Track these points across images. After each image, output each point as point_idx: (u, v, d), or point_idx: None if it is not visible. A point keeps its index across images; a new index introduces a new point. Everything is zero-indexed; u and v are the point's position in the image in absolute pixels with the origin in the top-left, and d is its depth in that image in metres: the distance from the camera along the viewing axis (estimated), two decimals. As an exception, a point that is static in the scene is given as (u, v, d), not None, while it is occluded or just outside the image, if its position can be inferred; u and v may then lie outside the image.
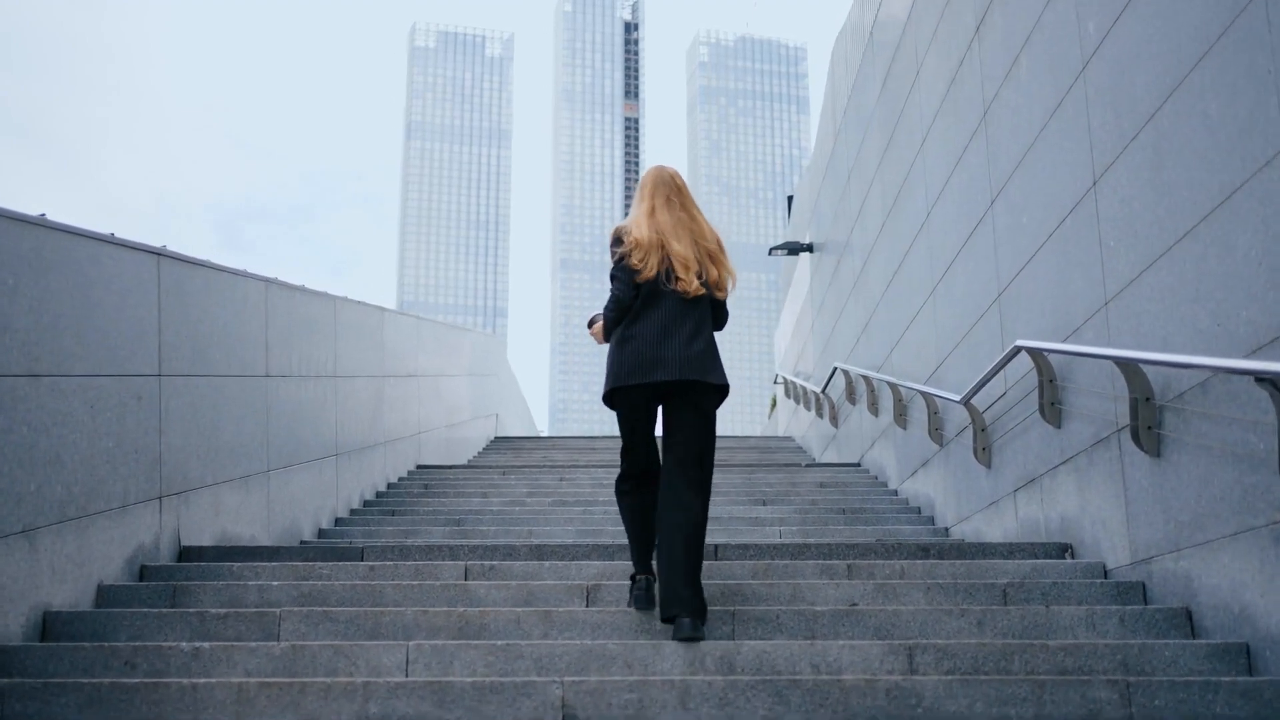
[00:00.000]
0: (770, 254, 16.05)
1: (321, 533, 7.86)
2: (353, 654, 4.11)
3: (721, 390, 4.69)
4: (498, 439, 16.47)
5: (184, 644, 4.12)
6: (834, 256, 13.11)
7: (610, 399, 4.73)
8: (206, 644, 4.14)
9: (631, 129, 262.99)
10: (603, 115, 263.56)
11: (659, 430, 4.84)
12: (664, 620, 4.43)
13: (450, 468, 11.59)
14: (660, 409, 4.76)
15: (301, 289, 7.75)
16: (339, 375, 8.43)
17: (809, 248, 15.16)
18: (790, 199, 19.62)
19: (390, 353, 10.16)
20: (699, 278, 4.71)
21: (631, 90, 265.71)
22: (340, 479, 8.46)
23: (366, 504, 9.11)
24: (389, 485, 9.96)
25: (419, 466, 11.18)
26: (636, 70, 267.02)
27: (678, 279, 4.65)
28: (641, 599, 4.63)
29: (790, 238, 16.76)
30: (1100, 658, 4.08)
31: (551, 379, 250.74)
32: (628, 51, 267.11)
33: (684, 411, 4.65)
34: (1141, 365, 4.71)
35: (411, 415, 11.05)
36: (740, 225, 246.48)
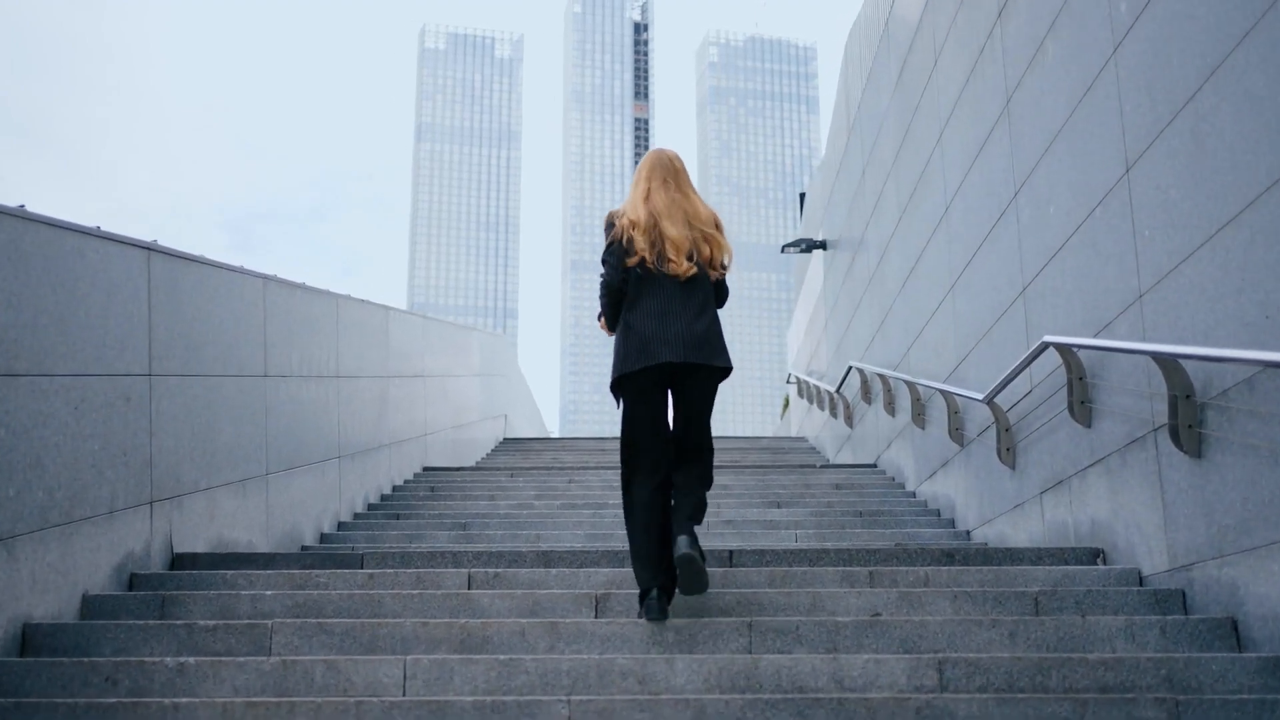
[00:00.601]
0: (783, 251, 15.79)
1: (324, 537, 7.63)
2: (347, 670, 3.87)
3: (723, 372, 4.67)
4: (506, 440, 16.24)
5: (169, 659, 3.88)
6: (848, 253, 12.85)
7: (618, 387, 4.66)
8: (192, 659, 3.90)
9: (641, 130, 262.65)
10: (612, 116, 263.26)
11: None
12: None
13: (457, 470, 11.37)
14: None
15: (302, 286, 7.53)
16: (341, 375, 8.20)
17: (822, 245, 14.90)
18: (803, 196, 19.36)
19: (395, 352, 9.93)
20: (691, 258, 4.66)
21: (641, 91, 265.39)
22: (343, 482, 8.24)
23: (371, 507, 8.89)
24: (394, 488, 9.74)
25: (425, 468, 10.96)
26: (646, 71, 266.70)
27: (669, 260, 4.61)
28: (654, 609, 4.40)
29: (803, 235, 16.49)
30: (1143, 672, 3.82)
31: (562, 380, 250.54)
32: (637, 52, 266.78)
33: (688, 394, 4.65)
34: (1181, 361, 4.45)
35: (418, 416, 10.82)
36: (751, 225, 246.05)
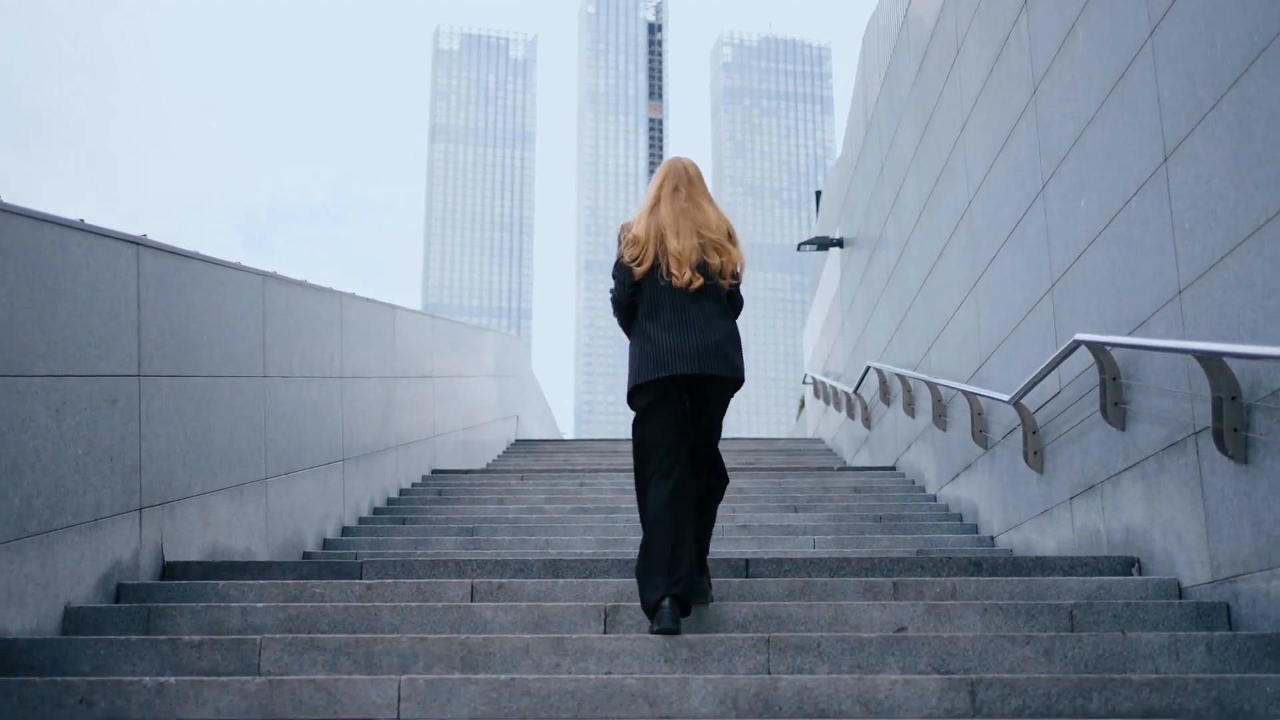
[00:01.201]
0: (799, 249, 15.53)
1: (326, 543, 7.39)
2: (337, 690, 3.62)
3: (737, 384, 4.59)
4: (518, 442, 16.01)
5: (148, 679, 3.63)
6: (865, 252, 12.58)
7: (633, 397, 4.56)
8: (173, 678, 3.65)
9: (655, 130, 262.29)
10: (626, 116, 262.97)
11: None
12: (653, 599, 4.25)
13: (466, 472, 11.13)
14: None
15: (303, 284, 7.29)
16: (345, 376, 7.96)
17: (839, 243, 14.64)
18: (818, 194, 19.10)
19: (402, 352, 9.69)
20: (700, 269, 4.54)
21: (655, 91, 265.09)
22: (347, 485, 8.00)
23: (377, 511, 8.65)
24: (401, 491, 9.50)
25: (434, 471, 10.72)
26: (660, 71, 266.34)
27: (673, 274, 4.52)
28: (666, 616, 4.13)
29: (819, 233, 16.23)
30: (1191, 694, 3.54)
31: (576, 381, 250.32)
32: (651, 52, 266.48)
33: (701, 405, 4.55)
34: (1227, 360, 4.18)
35: (426, 418, 10.58)
36: (765, 226, 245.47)
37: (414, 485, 9.93)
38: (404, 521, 8.24)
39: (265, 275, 6.62)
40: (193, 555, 5.58)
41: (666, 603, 4.16)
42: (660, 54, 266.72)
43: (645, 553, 4.31)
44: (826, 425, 16.65)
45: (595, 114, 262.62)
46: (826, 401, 16.32)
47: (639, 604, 4.54)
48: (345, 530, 7.83)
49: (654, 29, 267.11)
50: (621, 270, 4.64)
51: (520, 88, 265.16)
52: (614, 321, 4.87)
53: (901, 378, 10.06)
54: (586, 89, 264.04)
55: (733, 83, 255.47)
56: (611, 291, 4.76)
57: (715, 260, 4.59)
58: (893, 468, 10.87)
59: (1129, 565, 5.22)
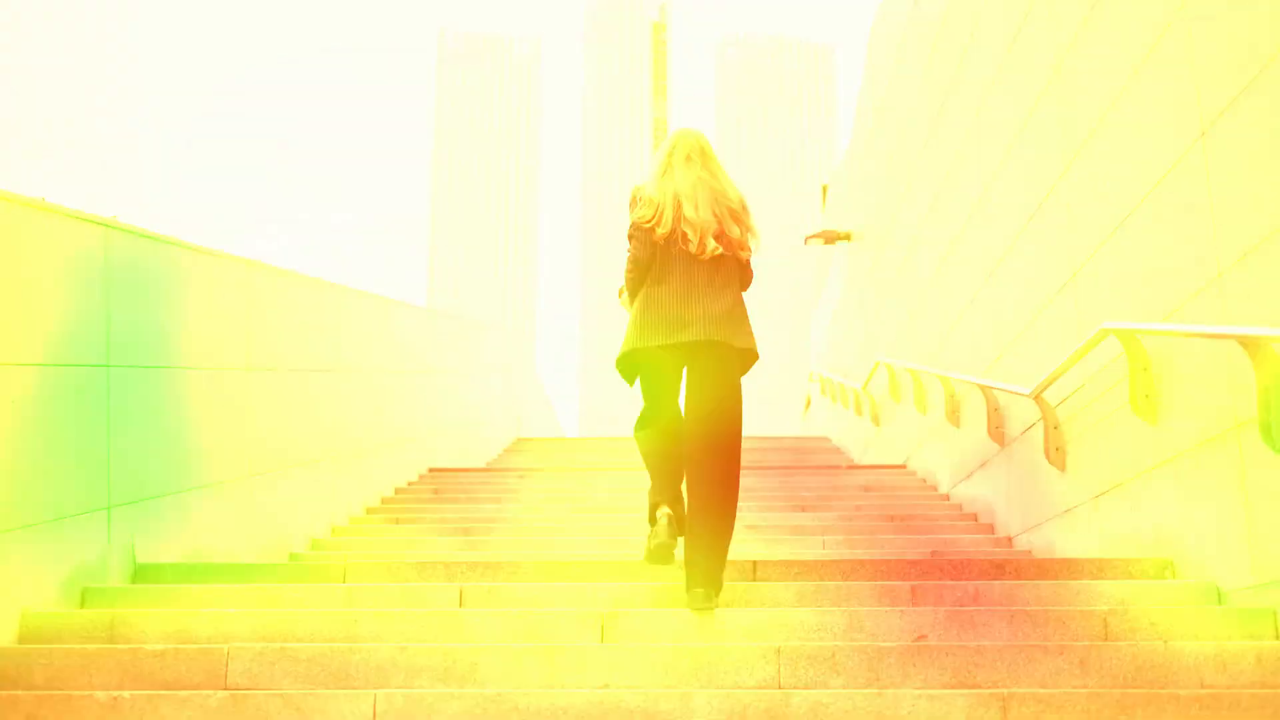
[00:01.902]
0: (806, 243, 15.23)
1: (316, 544, 7.08)
2: (307, 706, 3.31)
3: (746, 355, 4.52)
4: (520, 440, 15.70)
5: (100, 693, 3.33)
6: (874, 244, 12.27)
7: (630, 360, 4.50)
8: (129, 693, 3.34)
9: (660, 130, 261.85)
10: (631, 116, 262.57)
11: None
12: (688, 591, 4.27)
13: (465, 471, 10.81)
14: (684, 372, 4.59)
15: (292, 274, 6.99)
16: (338, 370, 7.66)
17: (846, 237, 14.32)
18: (825, 188, 18.78)
19: (399, 347, 9.39)
20: (718, 239, 4.53)
21: (659, 91, 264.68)
22: (339, 484, 7.69)
23: (370, 511, 8.34)
24: (396, 490, 9.19)
25: (431, 470, 10.40)
26: (664, 71, 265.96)
27: (689, 240, 4.45)
28: (660, 532, 4.30)
29: (826, 227, 15.91)
30: (1245, 711, 3.23)
31: (580, 380, 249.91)
32: (655, 53, 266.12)
33: (707, 375, 4.42)
34: (1277, 346, 3.86)
35: (423, 414, 10.28)
36: (770, 225, 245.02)
37: (410, 484, 9.62)
38: (397, 521, 7.93)
39: (250, 263, 6.31)
40: (169, 557, 5.28)
41: (664, 509, 4.34)
42: (664, 54, 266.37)
43: (649, 472, 4.60)
44: (834, 423, 16.33)
45: (599, 114, 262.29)
46: (834, 399, 16.00)
47: (638, 610, 4.28)
48: (336, 531, 7.52)
49: (658, 29, 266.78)
50: (642, 231, 4.58)
51: (524, 88, 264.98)
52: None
53: (912, 373, 9.74)
54: (590, 89, 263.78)
55: (737, 82, 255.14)
56: (628, 252, 4.67)
57: (734, 231, 4.58)
58: (903, 466, 10.55)
59: (1162, 568, 4.90)
